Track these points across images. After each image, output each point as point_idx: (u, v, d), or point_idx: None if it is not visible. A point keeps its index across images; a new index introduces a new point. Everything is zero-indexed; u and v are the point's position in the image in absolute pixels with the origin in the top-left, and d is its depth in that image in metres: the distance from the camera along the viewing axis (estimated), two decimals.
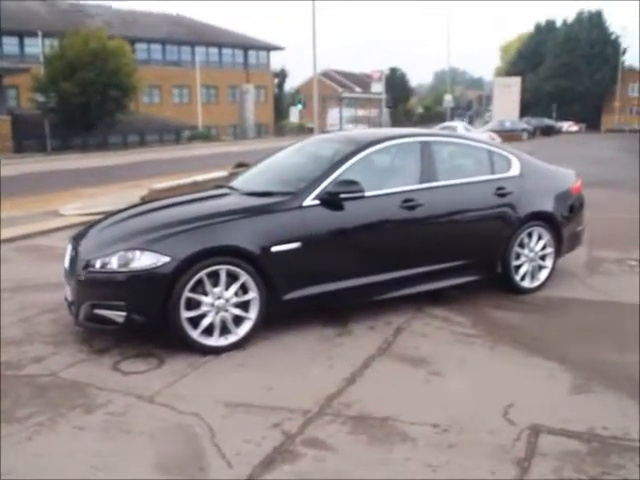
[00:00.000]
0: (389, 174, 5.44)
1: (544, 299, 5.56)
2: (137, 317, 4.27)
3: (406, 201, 5.00)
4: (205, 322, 4.30)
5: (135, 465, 3.00)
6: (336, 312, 5.06)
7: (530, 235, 5.66)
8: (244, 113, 49.27)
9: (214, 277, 4.29)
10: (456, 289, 5.50)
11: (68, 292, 4.69)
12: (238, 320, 4.42)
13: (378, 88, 62.30)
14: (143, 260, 4.23)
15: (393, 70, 73.02)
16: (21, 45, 38.54)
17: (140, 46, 44.67)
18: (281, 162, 5.87)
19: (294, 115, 57.39)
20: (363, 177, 4.86)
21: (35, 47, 36.78)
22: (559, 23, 68.85)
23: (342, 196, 4.68)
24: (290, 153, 6.03)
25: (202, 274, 4.23)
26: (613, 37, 65.07)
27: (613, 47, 64.16)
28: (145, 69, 39.53)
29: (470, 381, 3.87)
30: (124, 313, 4.25)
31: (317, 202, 4.67)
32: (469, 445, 3.10)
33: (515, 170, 5.74)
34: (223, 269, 4.28)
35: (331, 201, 4.69)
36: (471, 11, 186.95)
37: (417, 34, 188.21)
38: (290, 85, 65.65)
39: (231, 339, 4.39)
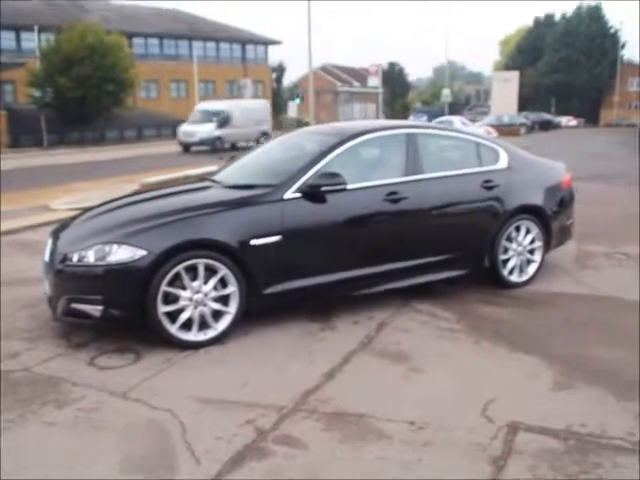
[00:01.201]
0: (374, 166, 5.35)
1: (532, 293, 5.49)
2: (114, 311, 4.20)
3: (390, 194, 4.91)
4: (183, 317, 4.23)
5: (102, 463, 2.93)
6: (321, 306, 4.98)
7: (518, 229, 5.59)
8: None
9: (192, 271, 4.22)
10: (444, 283, 5.42)
11: (47, 286, 4.62)
12: (217, 315, 4.35)
13: (375, 82, 62.07)
14: (120, 254, 4.16)
15: (392, 65, 72.77)
16: (17, 40, 38.34)
17: (137, 41, 44.51)
18: (266, 155, 5.79)
19: (292, 109, 57.16)
20: (347, 169, 4.79)
21: (31, 42, 36.59)
22: (558, 17, 68.60)
23: (324, 189, 4.60)
24: (276, 146, 5.95)
25: (180, 268, 4.15)
26: (612, 31, 64.74)
27: (612, 41, 63.88)
28: (142, 64, 39.38)
29: (451, 377, 3.79)
30: (101, 307, 4.18)
31: (298, 195, 4.59)
32: (445, 443, 3.03)
33: (503, 163, 5.65)
34: (201, 263, 4.20)
35: (313, 194, 4.61)
36: (471, 5, 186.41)
37: (417, 29, 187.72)
38: (289, 79, 65.55)
39: (210, 334, 4.32)
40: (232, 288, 4.32)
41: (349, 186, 4.70)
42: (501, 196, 5.45)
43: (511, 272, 5.60)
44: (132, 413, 3.41)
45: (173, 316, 4.22)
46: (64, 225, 5.00)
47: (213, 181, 5.31)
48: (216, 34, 51.14)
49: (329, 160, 4.80)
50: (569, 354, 4.13)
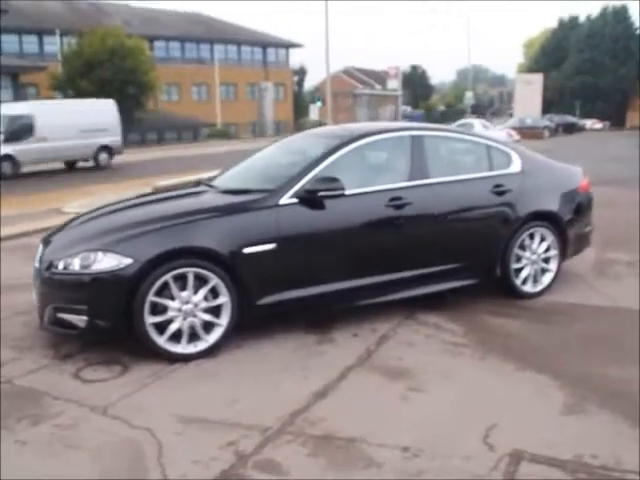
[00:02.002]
0: (377, 170, 5.10)
1: (547, 304, 5.19)
2: (100, 322, 4.01)
3: (393, 199, 4.66)
4: (172, 328, 4.03)
5: None
6: (319, 318, 4.74)
7: (532, 236, 5.29)
8: (263, 111, 49.08)
9: (182, 280, 4.01)
10: (453, 294, 5.15)
11: (34, 294, 4.46)
12: (208, 326, 4.13)
13: (394, 85, 61.66)
14: (105, 262, 3.97)
15: (414, 67, 72.31)
16: (40, 43, 38.76)
17: (159, 44, 44.73)
18: (266, 158, 5.57)
19: (314, 112, 57.07)
20: (347, 174, 4.55)
21: (54, 45, 36.93)
22: (582, 19, 67.39)
23: (321, 194, 4.36)
24: (277, 149, 5.72)
25: (168, 277, 3.95)
26: (638, 32, 63.35)
27: (638, 42, 62.48)
28: (164, 67, 39.51)
29: (452, 398, 3.52)
30: (86, 317, 3.99)
31: (295, 200, 4.36)
32: (439, 473, 2.76)
33: (516, 167, 5.37)
34: (191, 272, 4.00)
35: (310, 199, 4.37)
36: (495, 8, 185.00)
37: (440, 32, 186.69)
38: (310, 83, 65.45)
39: (201, 346, 4.11)
40: (224, 298, 4.10)
41: (349, 191, 4.46)
42: (513, 202, 5.16)
43: (524, 282, 5.30)
44: (110, 431, 3.21)
45: (161, 327, 4.01)
46: (55, 231, 4.83)
47: (210, 185, 5.11)
48: (237, 37, 51.21)
49: (328, 164, 4.56)
50: (583, 373, 3.83)
